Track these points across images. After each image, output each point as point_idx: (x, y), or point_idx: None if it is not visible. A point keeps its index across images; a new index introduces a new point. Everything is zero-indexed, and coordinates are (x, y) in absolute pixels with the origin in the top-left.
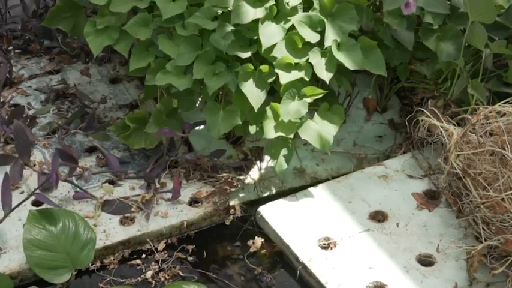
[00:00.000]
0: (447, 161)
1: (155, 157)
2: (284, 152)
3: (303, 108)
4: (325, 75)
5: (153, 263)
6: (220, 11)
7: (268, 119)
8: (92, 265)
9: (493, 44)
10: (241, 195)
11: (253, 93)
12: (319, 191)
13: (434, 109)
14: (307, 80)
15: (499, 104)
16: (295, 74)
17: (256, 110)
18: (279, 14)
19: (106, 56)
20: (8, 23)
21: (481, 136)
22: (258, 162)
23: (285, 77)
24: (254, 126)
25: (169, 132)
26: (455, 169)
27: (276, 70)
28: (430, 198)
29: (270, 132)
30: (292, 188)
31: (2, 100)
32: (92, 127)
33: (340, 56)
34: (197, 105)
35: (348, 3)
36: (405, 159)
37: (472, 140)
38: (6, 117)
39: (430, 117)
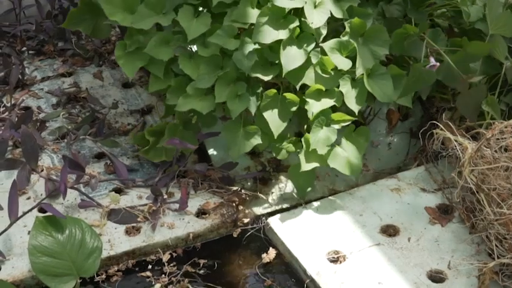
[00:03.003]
0: (461, 175)
1: (164, 166)
2: (306, 178)
3: (332, 135)
4: (355, 107)
5: (163, 275)
6: (241, 27)
7: (303, 151)
8: (97, 276)
9: None
10: (254, 207)
11: (275, 121)
12: (329, 203)
13: (449, 122)
14: (338, 107)
15: None
16: (326, 102)
17: (276, 137)
18: (301, 34)
19: None
20: (23, 24)
21: (495, 151)
22: (275, 174)
23: (315, 106)
24: (284, 151)
25: (179, 143)
26: (469, 184)
27: (307, 98)
28: (443, 213)
29: (304, 164)
30: (309, 200)
31: (13, 102)
32: (101, 133)
33: (371, 87)
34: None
35: (380, 25)
36: (418, 172)
37: (486, 155)
38: (16, 119)
39: (445, 131)
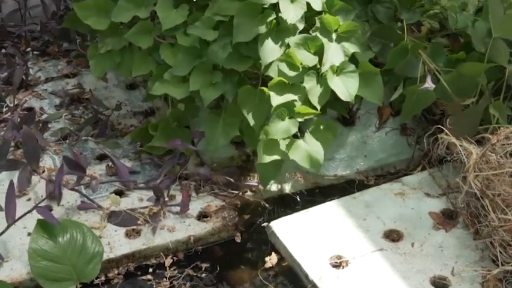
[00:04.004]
0: (465, 180)
1: (166, 168)
2: (270, 168)
3: (293, 128)
4: (317, 104)
5: (164, 278)
6: (220, 19)
7: (261, 143)
8: (96, 279)
9: None
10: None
11: (254, 116)
12: (333, 207)
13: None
14: (300, 103)
15: None
16: (287, 97)
17: (256, 130)
18: (279, 27)
19: None
20: (28, 24)
21: (501, 157)
22: None
23: (276, 100)
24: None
25: (180, 144)
26: (474, 189)
27: (269, 91)
28: (447, 218)
29: (263, 156)
30: (294, 192)
31: (16, 103)
32: (104, 134)
33: (335, 84)
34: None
35: (355, 22)
36: (423, 177)
37: (491, 160)
38: (19, 120)
39: (449, 135)
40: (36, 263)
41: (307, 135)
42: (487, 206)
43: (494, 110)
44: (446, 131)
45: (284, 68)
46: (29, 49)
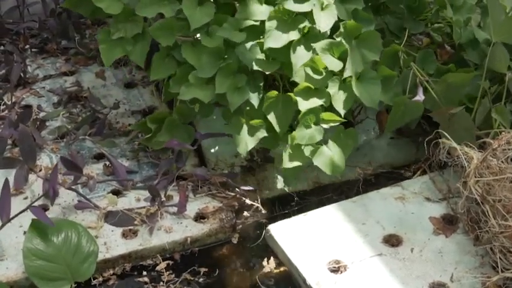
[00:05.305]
0: (466, 185)
1: (163, 168)
2: (293, 170)
3: (318, 135)
4: (341, 109)
5: (161, 282)
6: (251, 24)
7: (287, 150)
8: (93, 279)
9: None
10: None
11: (279, 121)
12: (332, 211)
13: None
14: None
15: None
16: (313, 101)
17: (280, 135)
18: (309, 34)
19: (123, 60)
20: (26, 21)
21: (502, 162)
22: (263, 164)
23: (303, 104)
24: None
25: (178, 144)
26: (474, 195)
27: (296, 96)
28: (447, 223)
29: (287, 162)
30: (293, 191)
31: (14, 100)
32: (101, 133)
33: (359, 91)
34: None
35: (374, 31)
36: (423, 181)
37: (492, 165)
38: (16, 117)
39: (450, 140)
40: (30, 262)
41: (330, 142)
42: (488, 212)
43: (496, 114)
44: (446, 135)
45: (310, 72)
46: (27, 46)
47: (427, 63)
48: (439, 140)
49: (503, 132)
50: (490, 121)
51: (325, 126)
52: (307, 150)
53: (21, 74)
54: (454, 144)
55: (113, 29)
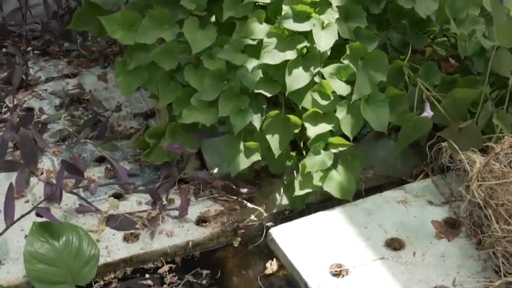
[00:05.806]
0: (468, 189)
1: (165, 171)
2: (301, 197)
3: (328, 160)
4: (350, 133)
5: (164, 285)
6: (249, 43)
7: (298, 178)
8: (94, 283)
9: None
10: (251, 216)
11: (277, 142)
12: (334, 215)
13: None
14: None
15: None
16: (323, 127)
17: (276, 157)
18: (308, 55)
19: None
20: (29, 23)
21: (504, 166)
22: (269, 180)
23: (312, 130)
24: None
25: (178, 147)
26: (477, 199)
27: (304, 122)
28: (449, 227)
29: (299, 191)
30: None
31: (15, 103)
32: (103, 136)
33: (367, 114)
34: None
35: (380, 50)
36: (426, 185)
37: (495, 170)
38: (18, 120)
39: (453, 144)
40: (31, 266)
41: (339, 166)
42: (490, 216)
43: (497, 120)
44: (455, 146)
45: (317, 97)
46: (29, 48)
47: (431, 75)
48: (442, 144)
49: (505, 137)
50: (492, 125)
51: (334, 151)
52: (316, 177)
53: (23, 77)
54: (457, 148)
55: (128, 58)
